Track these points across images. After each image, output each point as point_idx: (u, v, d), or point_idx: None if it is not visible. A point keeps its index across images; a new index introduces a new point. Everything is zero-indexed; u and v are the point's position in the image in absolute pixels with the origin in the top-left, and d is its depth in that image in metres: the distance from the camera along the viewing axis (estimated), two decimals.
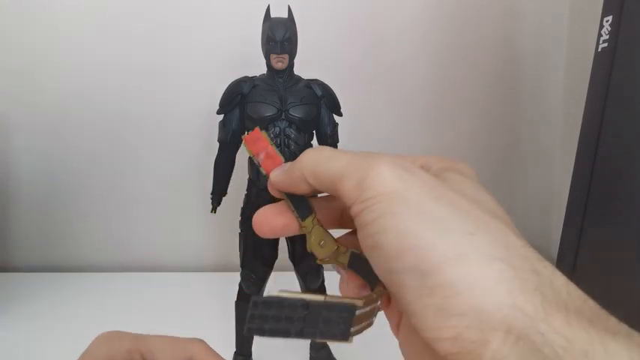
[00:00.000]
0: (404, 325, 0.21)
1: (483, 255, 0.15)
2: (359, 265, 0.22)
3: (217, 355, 0.24)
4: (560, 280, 0.16)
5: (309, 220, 0.22)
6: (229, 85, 0.50)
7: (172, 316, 0.61)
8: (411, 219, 0.16)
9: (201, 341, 0.24)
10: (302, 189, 0.21)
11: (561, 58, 0.85)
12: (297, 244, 0.51)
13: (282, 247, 0.52)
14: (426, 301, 0.15)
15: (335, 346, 0.55)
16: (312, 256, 0.23)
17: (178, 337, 0.24)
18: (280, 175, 0.22)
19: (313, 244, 0.22)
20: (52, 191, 0.83)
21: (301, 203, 0.23)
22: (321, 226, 0.22)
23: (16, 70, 0.79)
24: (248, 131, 0.49)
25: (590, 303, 0.16)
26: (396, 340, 0.22)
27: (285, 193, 0.23)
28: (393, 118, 0.85)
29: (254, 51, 0.50)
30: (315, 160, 0.20)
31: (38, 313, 0.66)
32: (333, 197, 0.22)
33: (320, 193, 0.22)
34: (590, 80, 0.44)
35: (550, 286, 0.15)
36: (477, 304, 0.15)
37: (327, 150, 0.20)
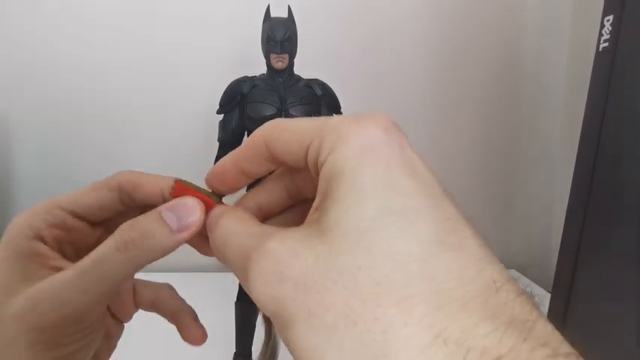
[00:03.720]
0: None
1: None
2: None
3: (145, 174, 0.23)
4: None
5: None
6: (229, 85, 0.50)
7: None
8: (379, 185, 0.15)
9: (126, 170, 0.23)
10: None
11: (562, 57, 0.85)
12: None
13: None
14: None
15: None
16: None
17: (103, 179, 0.24)
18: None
19: None
20: (52, 191, 0.83)
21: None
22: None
23: (16, 69, 0.79)
24: (248, 131, 0.50)
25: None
26: None
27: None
28: (393, 118, 0.85)
29: (254, 51, 0.50)
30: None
31: None
32: (281, 176, 0.22)
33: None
34: (591, 80, 0.44)
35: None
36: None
37: (221, 230, 0.19)
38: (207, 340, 0.26)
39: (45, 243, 0.22)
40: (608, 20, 0.41)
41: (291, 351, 0.14)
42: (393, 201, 0.14)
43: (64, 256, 0.22)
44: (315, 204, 0.17)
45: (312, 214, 0.17)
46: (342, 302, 0.13)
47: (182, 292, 0.30)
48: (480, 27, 0.84)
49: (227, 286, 0.58)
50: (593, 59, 0.43)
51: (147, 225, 0.20)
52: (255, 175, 0.21)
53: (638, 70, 0.38)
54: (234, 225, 0.19)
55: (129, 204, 0.23)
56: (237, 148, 0.21)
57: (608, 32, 0.41)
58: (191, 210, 0.20)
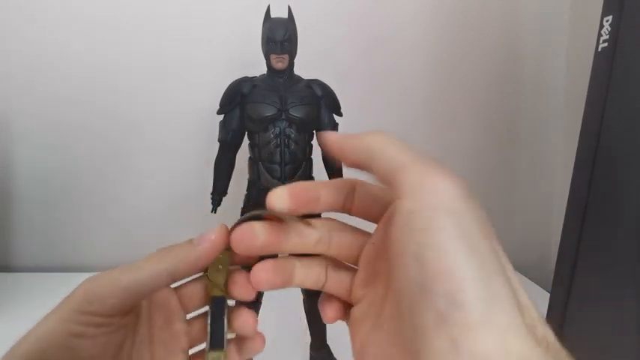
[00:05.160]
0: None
1: (504, 308, 0.16)
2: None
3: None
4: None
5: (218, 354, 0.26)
6: (229, 86, 0.50)
7: None
8: (461, 247, 0.17)
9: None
10: (351, 158, 0.22)
11: (561, 57, 0.85)
12: None
13: None
14: (444, 330, 0.16)
15: (335, 346, 0.55)
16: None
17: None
18: (343, 139, 0.23)
19: None
20: (53, 191, 0.83)
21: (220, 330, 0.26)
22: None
23: (17, 68, 0.79)
24: (248, 131, 0.50)
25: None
26: None
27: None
28: (393, 118, 0.85)
29: (254, 51, 0.50)
30: (387, 139, 0.21)
31: (38, 313, 0.66)
32: (342, 185, 0.25)
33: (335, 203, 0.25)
34: (590, 80, 0.44)
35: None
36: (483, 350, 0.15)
37: (396, 138, 0.21)
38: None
39: None
40: (607, 20, 0.41)
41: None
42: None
43: None
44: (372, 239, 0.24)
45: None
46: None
47: None
48: (479, 27, 0.84)
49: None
50: (592, 59, 0.43)
51: (174, 244, 0.26)
52: (324, 204, 0.24)
53: (638, 70, 0.38)
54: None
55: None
56: (324, 180, 0.25)
57: (607, 32, 0.41)
58: (211, 231, 0.25)
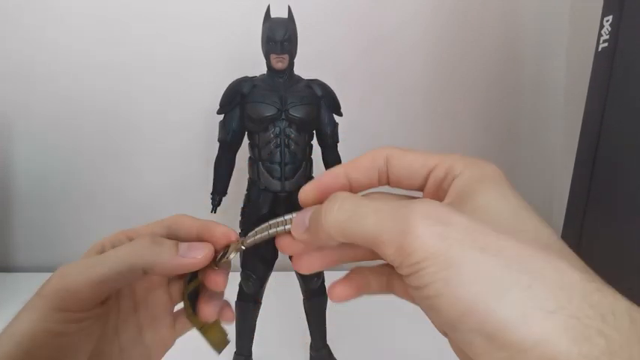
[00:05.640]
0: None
1: (544, 309, 0.15)
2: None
3: (188, 216, 0.27)
4: (622, 305, 0.16)
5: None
6: (229, 85, 0.50)
7: None
8: (465, 284, 0.16)
9: (178, 214, 0.28)
10: (332, 245, 0.22)
11: (561, 57, 0.85)
12: None
13: None
14: (496, 355, 0.15)
15: (335, 346, 0.55)
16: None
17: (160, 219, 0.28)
18: (304, 236, 0.22)
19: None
20: (52, 191, 0.83)
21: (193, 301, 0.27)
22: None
23: (17, 68, 0.79)
24: (248, 131, 0.50)
25: None
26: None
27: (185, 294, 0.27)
28: (393, 118, 0.85)
29: (254, 51, 0.50)
30: (341, 221, 0.19)
31: None
32: (372, 162, 0.23)
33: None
34: (591, 80, 0.44)
35: (612, 323, 0.15)
36: (543, 358, 0.15)
37: (348, 204, 0.20)
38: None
39: None
40: (607, 20, 0.41)
41: (456, 285, 0.16)
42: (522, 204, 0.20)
43: None
44: (445, 202, 0.21)
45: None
46: (513, 246, 0.16)
47: None
48: (479, 27, 0.84)
49: (227, 286, 0.58)
50: (592, 59, 0.43)
51: (161, 239, 0.25)
52: (357, 187, 0.23)
53: (638, 70, 0.38)
54: (358, 197, 0.21)
55: (175, 239, 0.27)
56: (351, 161, 0.24)
57: (607, 32, 0.41)
58: (201, 248, 0.25)
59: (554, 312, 0.15)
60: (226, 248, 0.26)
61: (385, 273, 0.24)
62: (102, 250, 0.25)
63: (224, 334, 0.27)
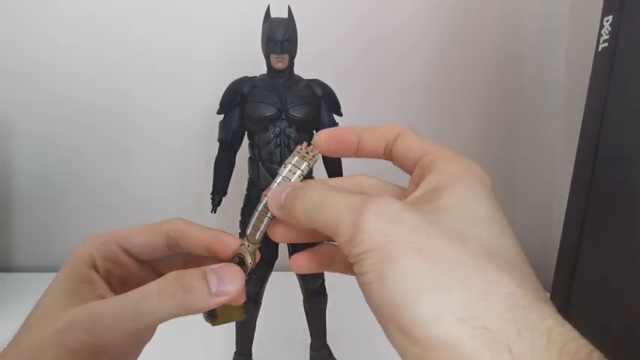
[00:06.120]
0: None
1: (455, 315, 0.16)
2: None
3: (193, 224, 0.26)
4: (545, 324, 0.16)
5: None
6: (229, 85, 0.50)
7: None
8: (391, 278, 0.17)
9: (177, 218, 0.26)
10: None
11: (561, 57, 0.85)
12: (297, 244, 0.51)
13: (282, 247, 0.52)
14: (410, 349, 0.17)
15: (335, 346, 0.55)
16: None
17: (154, 222, 0.26)
18: (278, 212, 0.23)
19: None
20: (53, 191, 0.83)
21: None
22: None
23: (17, 67, 0.79)
24: (248, 131, 0.50)
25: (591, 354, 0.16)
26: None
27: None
28: (393, 118, 0.85)
29: (254, 51, 0.50)
30: (307, 210, 0.21)
31: None
32: (383, 133, 0.25)
33: None
34: (591, 80, 0.44)
35: (528, 340, 0.15)
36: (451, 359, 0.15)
37: (316, 194, 0.21)
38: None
39: (98, 272, 0.24)
40: (607, 20, 0.41)
41: (385, 278, 0.17)
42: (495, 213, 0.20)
43: (111, 287, 0.25)
44: (416, 194, 0.21)
45: (408, 199, 0.21)
46: (452, 251, 0.17)
47: None
48: (479, 27, 0.84)
49: None
50: (592, 59, 0.43)
51: (191, 281, 0.22)
52: (364, 152, 0.25)
53: (638, 70, 0.38)
54: (328, 188, 0.22)
55: (175, 250, 0.26)
56: (369, 126, 0.25)
57: (607, 32, 0.41)
58: (233, 278, 0.23)
59: (464, 320, 0.16)
60: (236, 257, 0.25)
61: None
62: (92, 264, 0.24)
63: (239, 309, 0.26)
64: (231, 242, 0.25)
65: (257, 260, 0.25)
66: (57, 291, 0.23)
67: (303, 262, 0.25)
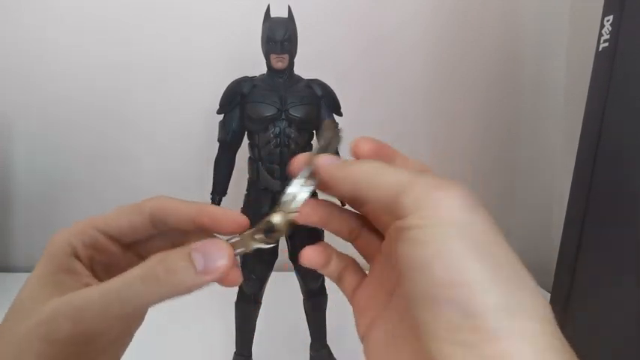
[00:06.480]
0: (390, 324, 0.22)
1: (526, 312, 0.16)
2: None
3: (176, 199, 0.25)
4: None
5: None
6: (229, 85, 0.50)
7: (172, 316, 0.61)
8: (470, 255, 0.16)
9: (160, 196, 0.25)
10: (341, 190, 0.21)
11: (561, 57, 0.85)
12: (297, 244, 0.51)
13: (282, 247, 0.52)
14: (458, 337, 0.15)
15: (335, 346, 0.55)
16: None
17: (135, 202, 0.25)
18: (330, 169, 0.22)
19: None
20: (53, 191, 0.83)
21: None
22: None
23: (16, 67, 0.79)
24: (248, 131, 0.50)
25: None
26: None
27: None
28: (393, 118, 0.85)
29: (254, 51, 0.50)
30: (380, 164, 0.20)
31: None
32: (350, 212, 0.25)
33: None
34: (591, 80, 0.44)
35: None
36: (505, 355, 0.15)
37: (383, 163, 0.20)
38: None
39: (80, 261, 0.23)
40: (608, 20, 0.41)
41: (451, 247, 0.16)
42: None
43: (95, 275, 0.23)
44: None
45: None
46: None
47: None
48: (479, 27, 0.84)
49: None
50: (592, 59, 0.43)
51: (174, 262, 0.20)
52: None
53: (638, 70, 0.38)
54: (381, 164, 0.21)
55: (161, 228, 0.24)
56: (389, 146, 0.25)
57: (608, 32, 0.41)
58: (220, 253, 0.21)
59: (533, 319, 0.16)
60: (265, 223, 0.22)
61: (344, 263, 0.25)
62: (72, 252, 0.23)
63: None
64: (216, 212, 0.23)
65: (291, 229, 0.23)
66: (37, 284, 0.22)
67: (314, 255, 0.25)
